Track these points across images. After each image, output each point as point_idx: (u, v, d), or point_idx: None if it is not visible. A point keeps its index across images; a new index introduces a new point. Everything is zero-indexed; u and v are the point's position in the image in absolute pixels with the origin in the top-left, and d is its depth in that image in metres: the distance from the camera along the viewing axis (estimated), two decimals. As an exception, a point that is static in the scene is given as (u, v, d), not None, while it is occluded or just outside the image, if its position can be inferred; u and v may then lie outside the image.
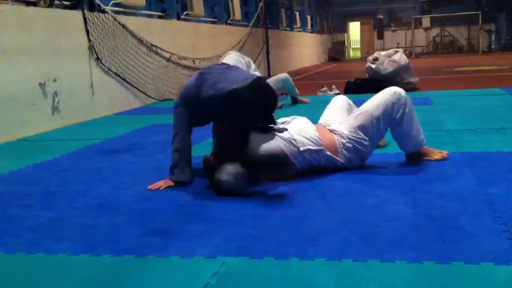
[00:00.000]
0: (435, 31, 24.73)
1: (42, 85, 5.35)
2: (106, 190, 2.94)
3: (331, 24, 26.53)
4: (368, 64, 7.93)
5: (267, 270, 1.79)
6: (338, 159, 2.94)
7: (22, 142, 4.76)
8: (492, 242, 1.91)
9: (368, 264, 1.79)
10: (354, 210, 2.36)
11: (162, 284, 1.73)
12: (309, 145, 2.84)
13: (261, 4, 13.24)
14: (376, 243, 1.96)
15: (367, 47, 25.94)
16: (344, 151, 2.94)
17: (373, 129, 2.93)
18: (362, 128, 2.92)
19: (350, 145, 2.94)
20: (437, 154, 3.14)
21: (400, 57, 7.74)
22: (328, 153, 2.90)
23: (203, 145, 4.08)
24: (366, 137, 2.93)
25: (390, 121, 2.94)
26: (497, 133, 3.95)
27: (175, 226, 2.27)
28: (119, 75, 6.82)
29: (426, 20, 24.37)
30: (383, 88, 3.07)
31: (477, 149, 3.42)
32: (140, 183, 3.03)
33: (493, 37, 23.20)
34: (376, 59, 7.83)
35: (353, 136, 2.93)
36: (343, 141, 2.94)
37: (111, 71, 6.67)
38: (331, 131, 3.00)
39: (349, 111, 3.27)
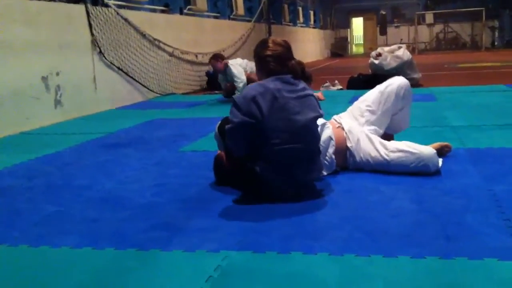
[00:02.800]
0: (438, 27, 24.66)
1: (44, 79, 5.34)
2: (110, 184, 2.94)
3: (334, 20, 26.47)
4: (371, 59, 7.92)
5: (269, 264, 1.79)
6: (338, 169, 2.94)
7: (25, 136, 4.76)
8: (496, 238, 1.90)
9: (371, 259, 1.79)
10: (358, 206, 2.35)
11: (165, 278, 1.73)
12: (324, 169, 2.80)
13: (264, -1, 13.23)
14: (380, 239, 1.96)
15: (370, 43, 25.88)
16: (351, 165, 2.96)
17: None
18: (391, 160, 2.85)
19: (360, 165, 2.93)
20: (443, 151, 3.11)
21: (403, 53, 7.72)
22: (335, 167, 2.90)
23: (210, 138, 4.10)
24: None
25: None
26: (502, 129, 3.94)
27: (178, 221, 2.27)
28: (121, 69, 6.81)
29: (429, 16, 24.29)
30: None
31: (482, 146, 3.41)
32: (144, 178, 3.03)
33: (496, 34, 23.12)
34: (379, 55, 7.81)
35: (372, 161, 2.88)
36: (355, 165, 2.93)
37: (114, 65, 6.66)
38: (348, 148, 2.92)
39: (395, 103, 3.06)
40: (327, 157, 2.76)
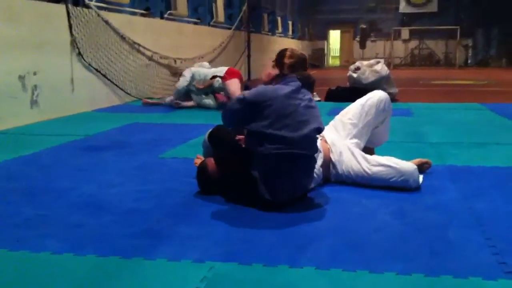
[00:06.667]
0: (413, 43, 25.06)
1: (21, 78, 5.25)
2: (91, 188, 2.88)
3: (312, 31, 26.66)
4: (350, 73, 7.99)
5: (256, 276, 1.78)
6: (321, 182, 2.94)
7: (0, 135, 4.66)
8: (479, 257, 1.93)
9: (357, 274, 1.79)
10: (342, 219, 2.36)
11: (149, 287, 1.70)
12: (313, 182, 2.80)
13: (244, 7, 13.24)
14: (365, 253, 1.96)
15: (347, 56, 26.14)
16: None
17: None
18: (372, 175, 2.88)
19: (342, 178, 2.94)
20: (423, 168, 3.14)
21: (381, 67, 7.82)
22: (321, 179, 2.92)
23: (191, 145, 4.07)
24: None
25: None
26: (479, 147, 4.00)
27: (163, 228, 2.24)
28: (100, 72, 6.74)
29: (405, 32, 24.70)
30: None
31: (460, 163, 3.46)
32: (127, 182, 2.99)
33: (470, 52, 23.60)
34: (358, 69, 7.89)
35: (353, 174, 2.90)
36: (336, 177, 2.94)
37: (92, 67, 6.58)
38: (331, 161, 2.94)
39: (376, 116, 3.09)
40: (316, 170, 2.77)
